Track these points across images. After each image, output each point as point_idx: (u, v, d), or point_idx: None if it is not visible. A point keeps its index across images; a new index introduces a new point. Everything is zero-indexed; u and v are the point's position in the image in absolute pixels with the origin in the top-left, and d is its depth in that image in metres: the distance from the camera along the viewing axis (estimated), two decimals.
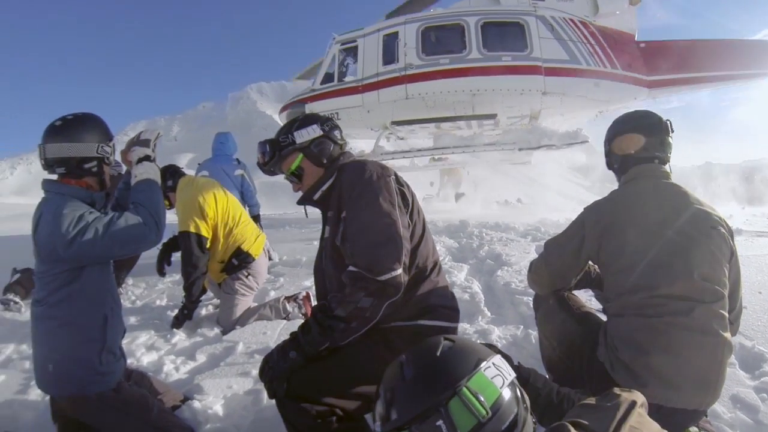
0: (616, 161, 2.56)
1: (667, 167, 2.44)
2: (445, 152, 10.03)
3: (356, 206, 2.18)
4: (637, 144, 2.44)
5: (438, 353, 1.27)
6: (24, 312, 4.85)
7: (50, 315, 2.38)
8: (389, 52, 9.82)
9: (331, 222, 2.33)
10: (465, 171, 16.05)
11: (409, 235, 2.22)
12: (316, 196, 2.42)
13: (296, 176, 2.48)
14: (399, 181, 2.35)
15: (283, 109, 11.68)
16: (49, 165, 2.44)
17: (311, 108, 10.37)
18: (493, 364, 1.24)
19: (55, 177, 2.48)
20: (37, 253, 2.38)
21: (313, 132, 2.43)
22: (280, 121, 11.85)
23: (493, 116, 9.67)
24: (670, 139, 2.45)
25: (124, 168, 2.82)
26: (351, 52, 10.36)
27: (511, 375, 1.26)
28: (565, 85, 9.33)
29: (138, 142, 2.66)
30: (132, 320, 4.38)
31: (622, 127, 2.53)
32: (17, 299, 5.01)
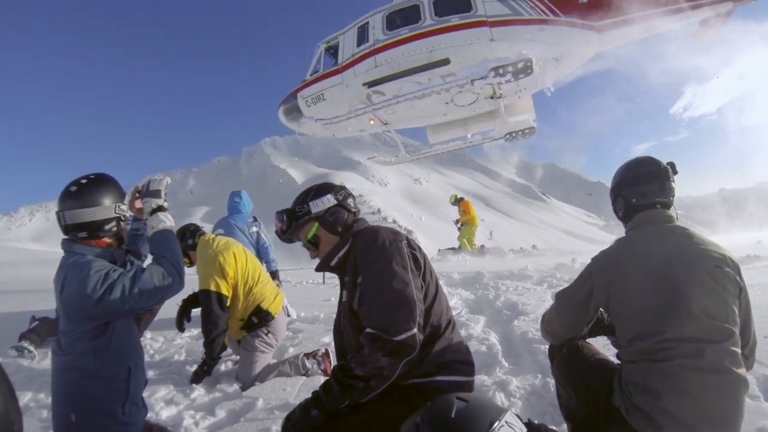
0: (620, 209, 2.63)
1: (671, 210, 2.51)
2: (407, 97, 10.51)
3: (371, 271, 2.29)
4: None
5: (453, 415, 1.30)
6: (39, 361, 4.91)
7: (75, 366, 2.44)
8: (361, 37, 11.09)
9: (348, 287, 2.44)
10: (480, 219, 16.30)
11: (423, 296, 2.32)
12: (333, 263, 2.54)
13: (313, 244, 2.61)
14: (411, 245, 2.47)
15: (281, 104, 12.80)
16: (69, 230, 2.53)
17: (302, 95, 11.75)
18: (506, 422, 1.27)
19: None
20: (63, 313, 2.44)
21: (328, 202, 2.57)
22: (279, 116, 13.00)
23: (446, 61, 10.26)
24: (671, 183, 2.52)
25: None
26: (334, 48, 11.66)
27: (523, 431, 1.29)
28: (509, 31, 9.95)
29: (148, 192, 2.75)
30: (150, 374, 4.37)
31: (623, 175, 2.63)
32: (31, 348, 5.07)
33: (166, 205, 2.77)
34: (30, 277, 10.32)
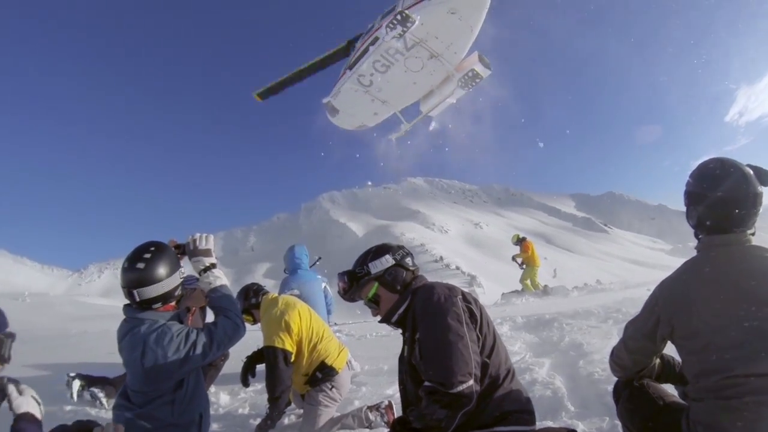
0: (692, 219, 2.35)
1: (749, 232, 2.20)
2: (365, 64, 12.33)
3: (427, 327, 2.38)
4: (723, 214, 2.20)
5: None
6: (107, 412, 5.03)
7: (152, 416, 2.61)
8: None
9: (408, 342, 2.57)
10: (542, 257, 16.15)
11: (479, 348, 2.38)
12: (394, 320, 2.67)
13: (374, 303, 2.75)
14: (466, 299, 2.54)
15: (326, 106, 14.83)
16: (143, 305, 2.68)
17: (331, 94, 13.85)
18: None
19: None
20: (143, 377, 2.59)
21: (386, 262, 2.72)
22: (325, 112, 14.92)
23: (377, 39, 12.01)
24: (759, 209, 2.20)
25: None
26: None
27: None
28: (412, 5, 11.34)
29: (199, 252, 2.94)
30: (215, 427, 4.49)
31: (704, 191, 2.26)
32: (104, 400, 5.21)
33: (216, 262, 2.98)
34: (99, 331, 10.82)
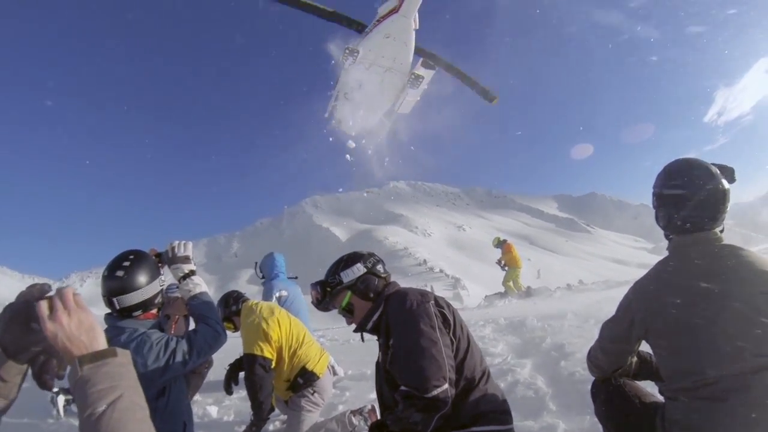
0: (661, 220, 2.38)
1: (718, 230, 2.22)
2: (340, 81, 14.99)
3: (400, 333, 2.42)
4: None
5: None
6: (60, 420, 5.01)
7: None
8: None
9: (382, 348, 2.61)
10: (526, 259, 16.40)
11: (453, 352, 2.42)
12: (368, 327, 2.70)
13: (348, 311, 2.78)
14: (439, 304, 2.58)
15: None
16: (124, 313, 2.67)
17: (328, 108, 16.17)
18: None
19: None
20: None
21: (358, 271, 2.75)
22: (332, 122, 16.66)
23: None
24: (727, 206, 2.21)
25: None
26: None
27: None
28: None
29: (177, 259, 2.93)
30: None
31: (670, 189, 2.31)
32: (61, 409, 5.11)
33: (195, 268, 2.97)
34: None
